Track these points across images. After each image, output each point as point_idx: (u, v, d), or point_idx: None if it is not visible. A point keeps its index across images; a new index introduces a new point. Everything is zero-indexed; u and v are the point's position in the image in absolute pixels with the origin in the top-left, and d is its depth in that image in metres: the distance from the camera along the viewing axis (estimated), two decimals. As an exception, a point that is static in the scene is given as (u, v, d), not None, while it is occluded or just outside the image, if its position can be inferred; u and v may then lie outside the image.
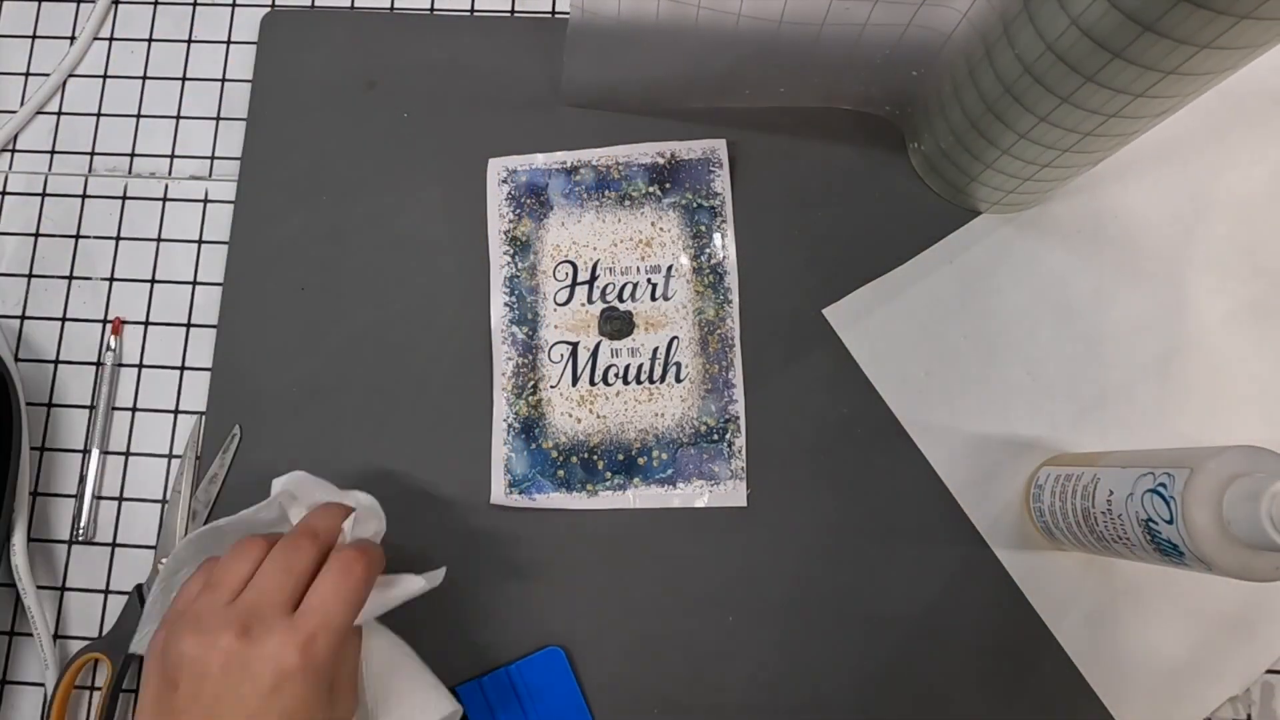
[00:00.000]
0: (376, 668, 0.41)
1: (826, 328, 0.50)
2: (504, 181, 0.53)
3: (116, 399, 0.52)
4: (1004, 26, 0.39)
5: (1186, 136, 0.52)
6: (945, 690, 0.47)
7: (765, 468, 0.49)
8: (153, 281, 0.53)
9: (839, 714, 0.46)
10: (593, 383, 0.50)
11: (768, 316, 0.51)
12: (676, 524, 0.48)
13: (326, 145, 0.54)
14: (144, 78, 0.56)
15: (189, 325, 0.53)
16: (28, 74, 0.56)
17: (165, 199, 0.54)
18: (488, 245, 0.52)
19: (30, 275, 0.54)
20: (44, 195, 0.55)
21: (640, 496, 0.49)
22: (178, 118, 0.55)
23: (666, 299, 0.51)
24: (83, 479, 0.51)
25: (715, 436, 0.49)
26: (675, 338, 0.50)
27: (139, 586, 0.48)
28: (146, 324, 0.53)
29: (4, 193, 0.55)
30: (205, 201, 0.54)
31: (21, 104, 0.56)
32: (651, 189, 0.52)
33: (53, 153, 0.55)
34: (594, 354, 0.50)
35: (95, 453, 0.51)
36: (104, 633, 0.49)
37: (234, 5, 0.57)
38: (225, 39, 0.56)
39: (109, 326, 0.52)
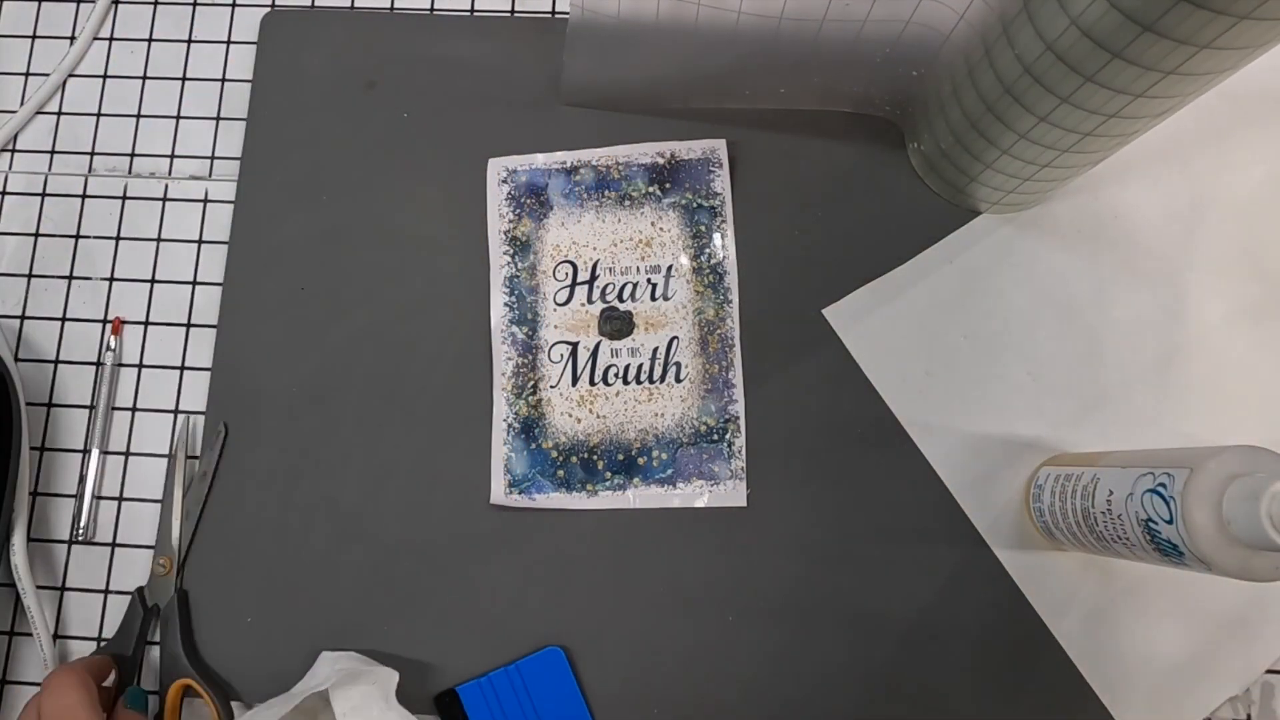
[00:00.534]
0: None
1: (826, 328, 0.50)
2: (504, 181, 0.53)
3: (116, 399, 0.52)
4: (1003, 26, 0.39)
5: (1186, 136, 0.52)
6: (945, 690, 0.47)
7: (765, 468, 0.49)
8: (153, 281, 0.53)
9: (839, 713, 0.46)
10: (593, 383, 0.50)
11: (768, 316, 0.51)
12: (676, 524, 0.48)
13: (326, 145, 0.54)
14: (144, 78, 0.56)
15: (189, 325, 0.53)
16: (28, 74, 0.56)
17: (165, 199, 0.54)
18: (488, 245, 0.52)
19: (30, 275, 0.54)
20: (44, 195, 0.55)
21: (640, 496, 0.49)
22: (178, 118, 0.55)
23: (666, 299, 0.51)
24: (83, 479, 0.51)
25: (715, 436, 0.49)
26: (675, 338, 0.50)
27: (140, 589, 0.48)
28: (146, 324, 0.53)
29: (4, 193, 0.55)
30: (205, 201, 0.54)
31: (21, 104, 0.56)
32: (651, 189, 0.52)
33: (53, 153, 0.55)
34: (594, 354, 0.50)
35: (95, 453, 0.51)
36: (102, 634, 0.49)
37: (234, 5, 0.57)
38: (225, 39, 0.56)
39: (109, 326, 0.52)
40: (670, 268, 0.51)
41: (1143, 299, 0.50)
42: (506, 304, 0.51)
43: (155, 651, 0.48)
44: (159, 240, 0.54)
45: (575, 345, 0.50)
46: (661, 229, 0.52)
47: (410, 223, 0.52)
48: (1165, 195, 0.52)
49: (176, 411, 0.51)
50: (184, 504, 0.49)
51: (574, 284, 0.51)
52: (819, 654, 0.47)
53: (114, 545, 0.50)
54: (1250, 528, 0.33)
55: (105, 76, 0.56)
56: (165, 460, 0.51)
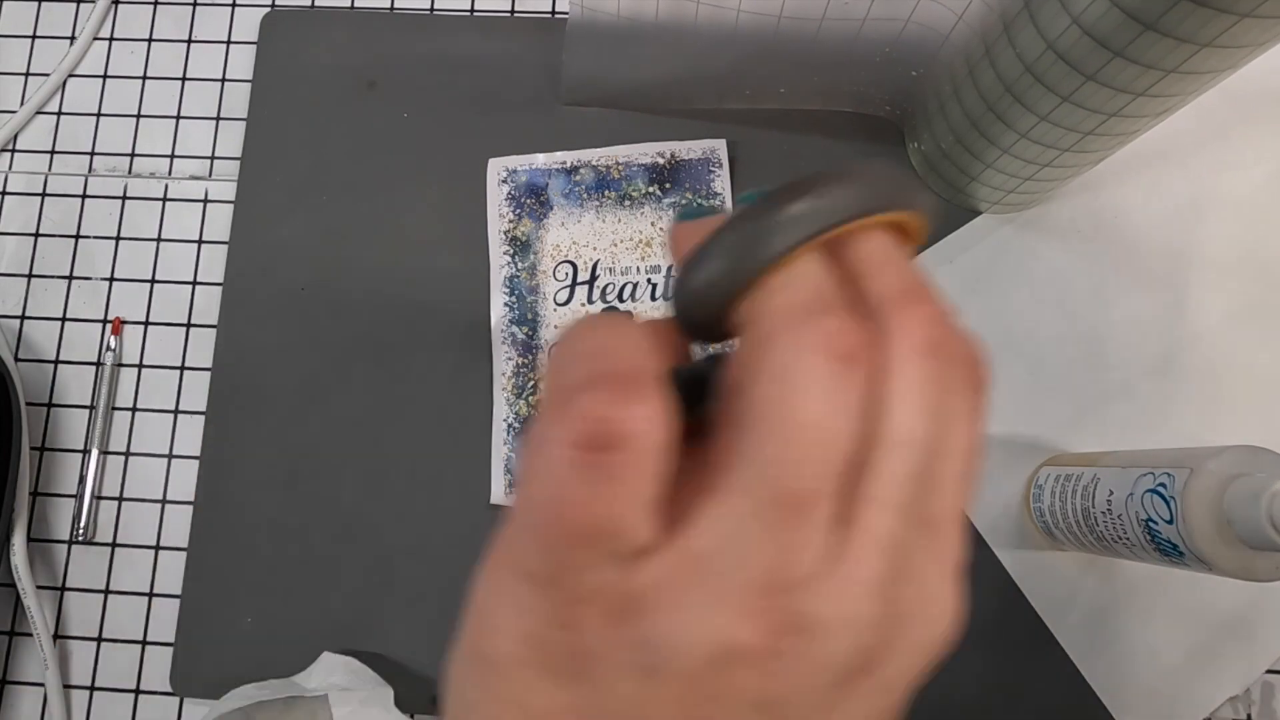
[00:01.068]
0: None
1: (826, 328, 0.50)
2: (504, 181, 0.53)
3: (116, 399, 0.52)
4: (1004, 25, 0.39)
5: (1186, 136, 0.52)
6: (945, 690, 0.46)
7: (765, 468, 0.49)
8: (153, 281, 0.53)
9: (839, 714, 0.46)
10: (593, 383, 0.50)
11: (768, 316, 0.51)
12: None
13: (326, 145, 0.54)
14: (144, 78, 0.56)
15: (189, 325, 0.53)
16: (28, 74, 0.56)
17: (165, 199, 0.54)
18: (488, 245, 0.52)
19: (30, 275, 0.54)
20: (44, 195, 0.55)
21: (640, 496, 0.48)
22: (178, 118, 0.55)
23: (667, 299, 0.51)
24: (83, 479, 0.51)
25: (715, 436, 0.49)
26: (675, 338, 0.50)
27: None
28: (146, 324, 0.53)
29: (4, 193, 0.55)
30: (205, 201, 0.54)
31: (21, 104, 0.56)
32: (651, 189, 0.52)
33: (53, 153, 0.55)
34: (594, 354, 0.50)
35: (95, 453, 0.51)
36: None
37: (234, 5, 0.57)
38: (225, 39, 0.56)
39: (109, 326, 0.52)
40: (670, 268, 0.51)
41: (1143, 299, 0.50)
42: (506, 304, 0.51)
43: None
44: (159, 240, 0.54)
45: (575, 345, 0.50)
46: (662, 229, 0.52)
47: (410, 223, 0.52)
48: (1165, 195, 0.52)
49: (177, 411, 0.51)
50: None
51: (574, 284, 0.51)
52: (819, 654, 0.47)
53: (114, 545, 0.50)
54: (1251, 528, 0.33)
55: (105, 76, 0.56)
56: (165, 460, 0.51)
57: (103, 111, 0.56)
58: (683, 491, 0.17)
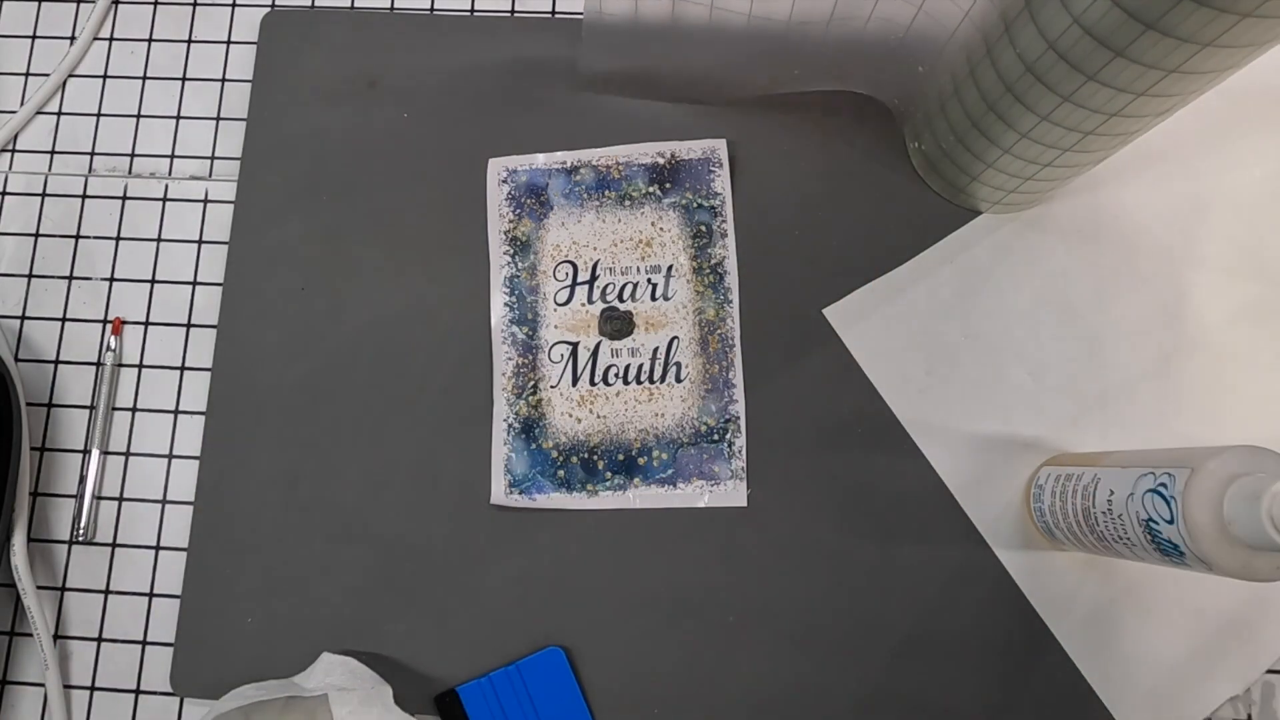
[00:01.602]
0: None
1: (826, 328, 0.50)
2: (504, 181, 0.53)
3: (116, 399, 0.52)
4: (1005, 25, 0.39)
5: (1187, 136, 0.52)
6: (945, 689, 0.47)
7: (765, 468, 0.49)
8: (153, 281, 0.53)
9: (839, 712, 0.46)
10: (593, 383, 0.50)
11: (768, 316, 0.51)
12: (676, 524, 0.48)
13: (326, 145, 0.54)
14: (144, 78, 0.56)
15: (189, 325, 0.53)
16: (28, 74, 0.56)
17: (165, 199, 0.54)
18: (488, 245, 0.52)
19: (30, 275, 0.54)
20: (44, 195, 0.55)
21: (640, 496, 0.49)
22: (178, 118, 0.55)
23: (666, 299, 0.51)
24: (83, 479, 0.51)
25: (715, 436, 0.49)
26: (675, 338, 0.50)
27: None
28: (146, 324, 0.53)
29: (4, 193, 0.55)
30: (205, 201, 0.54)
31: (21, 104, 0.56)
32: (651, 189, 0.52)
33: (53, 153, 0.55)
34: (594, 354, 0.50)
35: (95, 453, 0.51)
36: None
37: (234, 5, 0.57)
38: (225, 39, 0.56)
39: (109, 326, 0.52)
40: (670, 268, 0.51)
41: (1143, 299, 0.50)
42: (507, 304, 0.51)
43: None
44: (159, 240, 0.54)
45: (575, 345, 0.50)
46: (662, 229, 0.52)
47: (410, 223, 0.52)
48: (1165, 195, 0.52)
49: (177, 411, 0.51)
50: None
51: (574, 284, 0.51)
52: (819, 654, 0.47)
53: (114, 545, 0.50)
54: (1251, 528, 0.33)
55: (105, 76, 0.56)
56: (165, 460, 0.51)
57: (103, 111, 0.56)
58: None
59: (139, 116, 0.56)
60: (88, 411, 0.52)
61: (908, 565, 0.48)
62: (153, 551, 0.50)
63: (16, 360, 0.52)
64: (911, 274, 0.51)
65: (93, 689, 0.49)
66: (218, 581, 0.49)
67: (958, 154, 0.48)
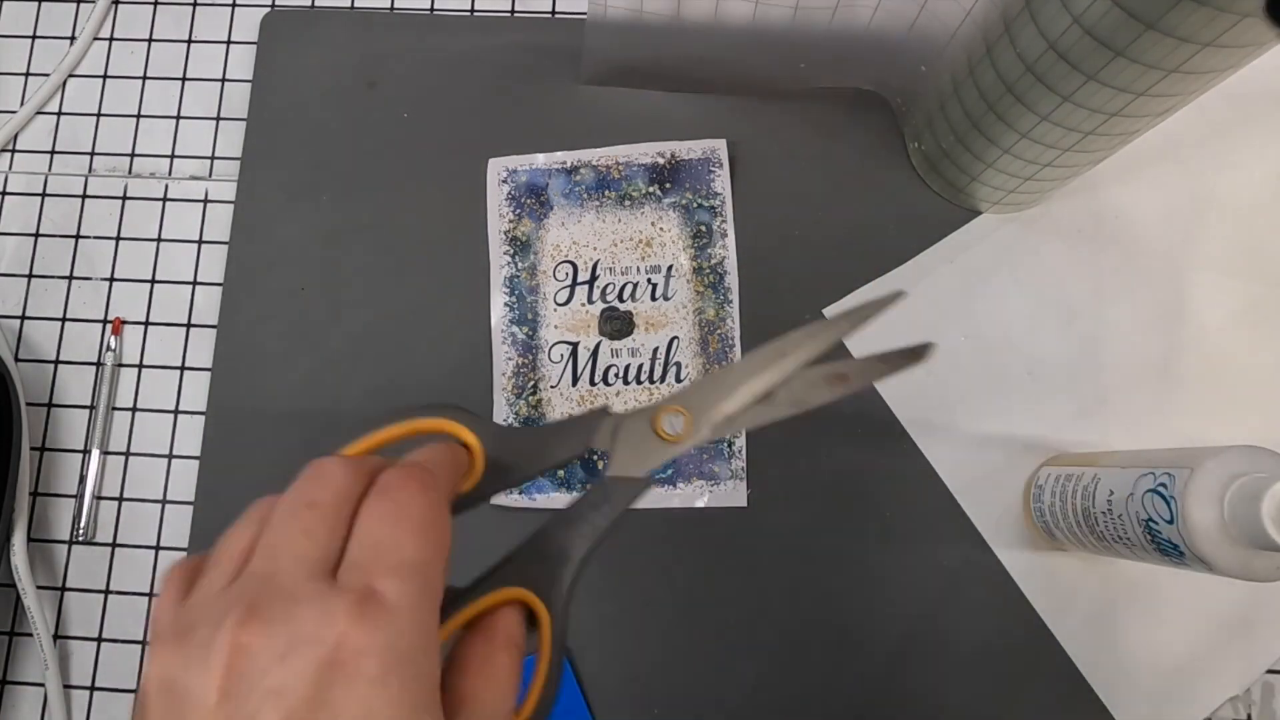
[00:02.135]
0: None
1: (827, 328, 0.50)
2: (504, 181, 0.53)
3: (116, 399, 0.52)
4: (1006, 25, 0.39)
5: (1187, 136, 0.52)
6: (945, 690, 0.47)
7: (765, 468, 0.49)
8: (153, 281, 0.53)
9: (839, 712, 0.46)
10: (593, 383, 0.50)
11: (768, 316, 0.51)
12: (677, 524, 0.48)
13: (326, 145, 0.54)
14: (144, 78, 0.56)
15: (189, 325, 0.53)
16: (28, 74, 0.56)
17: (165, 199, 0.54)
18: (488, 245, 0.52)
19: (30, 275, 0.54)
20: (44, 195, 0.55)
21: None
22: (178, 118, 0.55)
23: (666, 299, 0.51)
24: (83, 479, 0.51)
25: (715, 436, 0.49)
26: (675, 338, 0.50)
27: None
28: (146, 324, 0.53)
29: (4, 193, 0.55)
30: (205, 201, 0.54)
31: (21, 104, 0.56)
32: (651, 189, 0.52)
33: (53, 153, 0.55)
34: (594, 354, 0.50)
35: (95, 453, 0.51)
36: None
37: (234, 5, 0.57)
38: (225, 39, 0.56)
39: (109, 326, 0.52)
40: (670, 268, 0.51)
41: (1143, 299, 0.50)
42: (506, 304, 0.51)
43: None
44: (159, 240, 0.54)
45: (575, 345, 0.50)
46: (662, 229, 0.52)
47: (410, 223, 0.52)
48: (1165, 195, 0.52)
49: (177, 411, 0.51)
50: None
51: (574, 284, 0.51)
52: (820, 653, 0.47)
53: (114, 545, 0.50)
54: (1251, 528, 0.33)
55: (105, 76, 0.56)
56: (165, 460, 0.51)
57: (103, 111, 0.56)
58: None
59: (139, 116, 0.56)
60: (88, 411, 0.52)
61: (908, 565, 0.48)
62: (153, 551, 0.50)
63: (16, 360, 0.52)
64: (911, 274, 0.51)
65: (93, 689, 0.49)
66: (218, 581, 0.49)
67: (958, 154, 0.48)
